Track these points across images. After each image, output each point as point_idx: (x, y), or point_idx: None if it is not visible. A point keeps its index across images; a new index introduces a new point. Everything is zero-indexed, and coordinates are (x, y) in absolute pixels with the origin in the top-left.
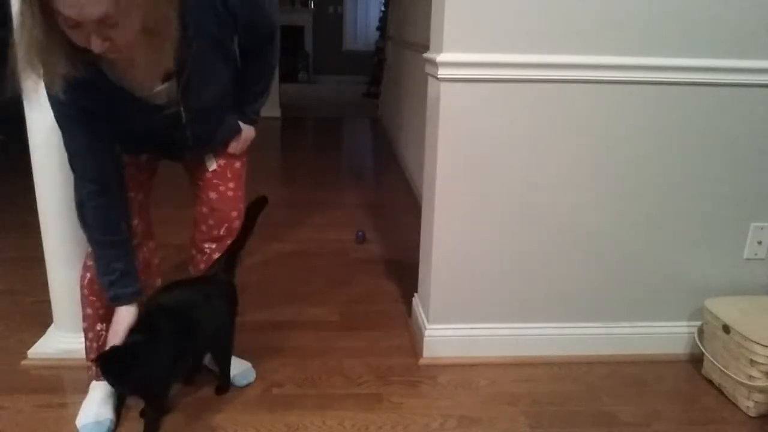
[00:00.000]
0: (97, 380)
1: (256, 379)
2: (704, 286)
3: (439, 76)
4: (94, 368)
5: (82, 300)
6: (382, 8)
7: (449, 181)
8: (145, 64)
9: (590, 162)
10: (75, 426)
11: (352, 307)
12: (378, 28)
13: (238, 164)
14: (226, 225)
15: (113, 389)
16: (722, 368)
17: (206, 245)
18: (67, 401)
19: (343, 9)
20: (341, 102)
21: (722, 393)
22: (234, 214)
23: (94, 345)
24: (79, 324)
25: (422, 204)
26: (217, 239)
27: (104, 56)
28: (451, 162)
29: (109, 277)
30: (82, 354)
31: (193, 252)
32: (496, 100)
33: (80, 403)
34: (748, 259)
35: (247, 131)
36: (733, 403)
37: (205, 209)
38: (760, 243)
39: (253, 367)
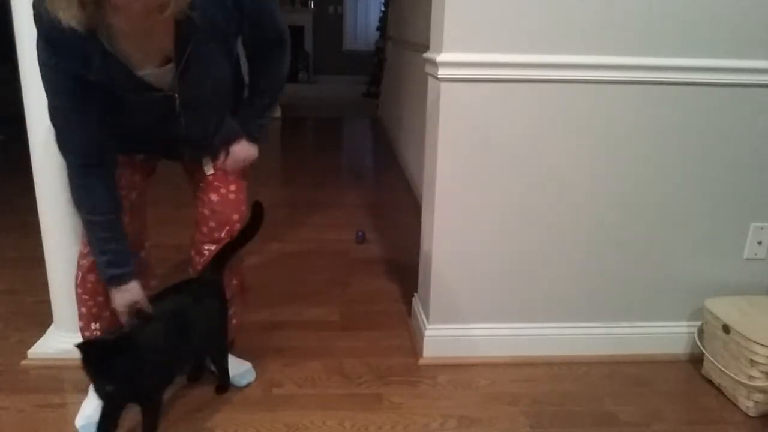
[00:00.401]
0: None
1: (256, 379)
2: (704, 286)
3: (439, 76)
4: None
5: (77, 299)
6: (382, 8)
7: (449, 181)
8: (154, 30)
9: (590, 162)
10: (75, 426)
11: (352, 307)
12: (378, 28)
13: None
14: (227, 228)
15: (94, 387)
16: (722, 368)
17: (206, 247)
18: (67, 401)
19: (343, 9)
20: (341, 102)
21: (722, 393)
22: (235, 216)
23: None
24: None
25: (422, 204)
26: (217, 241)
27: (119, 10)
28: (451, 162)
29: (104, 258)
30: None
31: (193, 253)
32: (496, 100)
33: (80, 403)
34: (748, 259)
35: (248, 150)
36: (733, 403)
37: (206, 211)
38: (760, 243)
39: (253, 367)
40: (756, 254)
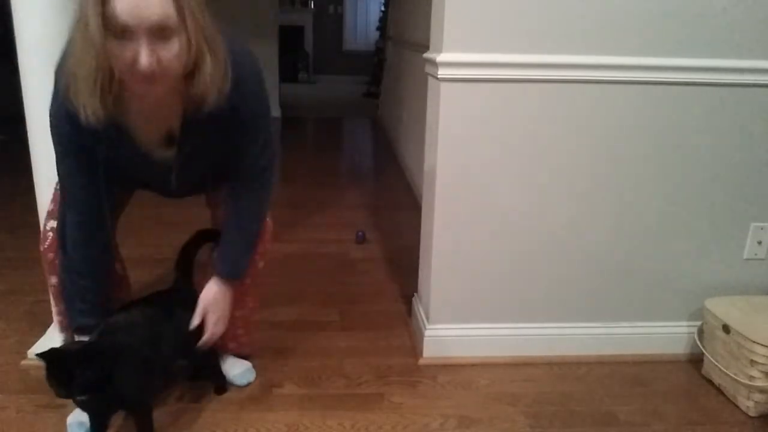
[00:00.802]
0: None
1: (256, 379)
2: (704, 286)
3: (439, 76)
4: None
5: (47, 268)
6: (382, 8)
7: (449, 181)
8: (171, 102)
9: (590, 162)
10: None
11: (352, 307)
12: (378, 28)
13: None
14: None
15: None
16: (722, 368)
17: None
18: (67, 401)
19: (343, 9)
20: (341, 102)
21: (722, 393)
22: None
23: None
24: None
25: (422, 204)
26: None
27: (134, 91)
28: (451, 162)
29: (81, 306)
30: None
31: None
32: (496, 100)
33: None
34: (748, 259)
35: (215, 293)
36: (733, 403)
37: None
38: (760, 243)
39: (253, 367)
40: (756, 254)
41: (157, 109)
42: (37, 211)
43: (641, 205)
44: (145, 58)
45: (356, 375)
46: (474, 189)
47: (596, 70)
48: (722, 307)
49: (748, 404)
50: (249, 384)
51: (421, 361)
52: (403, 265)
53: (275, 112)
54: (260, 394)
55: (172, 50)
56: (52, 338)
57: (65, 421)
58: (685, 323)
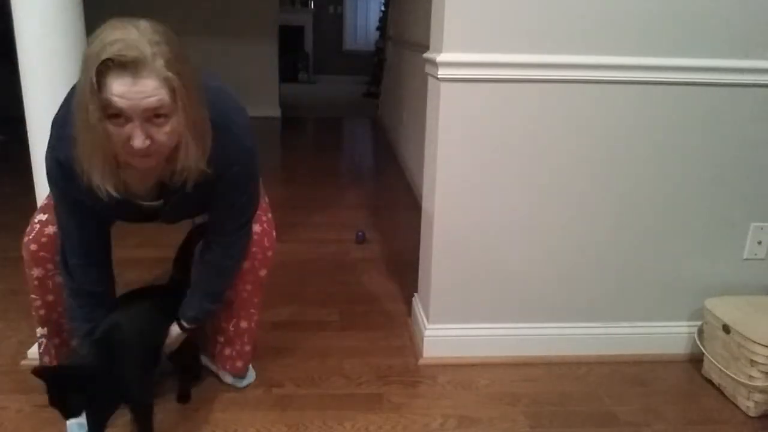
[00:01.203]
0: None
1: (256, 379)
2: (704, 286)
3: (439, 76)
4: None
5: (28, 260)
6: (382, 8)
7: (449, 181)
8: (160, 173)
9: (590, 162)
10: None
11: (352, 307)
12: (378, 28)
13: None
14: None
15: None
16: (722, 368)
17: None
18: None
19: (343, 9)
20: (341, 102)
21: (722, 393)
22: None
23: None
24: None
25: (422, 204)
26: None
27: (133, 161)
28: (451, 162)
29: (87, 326)
30: None
31: None
32: (496, 100)
33: None
34: (748, 259)
35: (173, 336)
36: (733, 403)
37: None
38: (760, 243)
39: (253, 367)
40: (756, 254)
41: (149, 171)
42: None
43: (641, 205)
44: (138, 140)
45: (356, 375)
46: (474, 189)
47: (596, 70)
48: (722, 307)
49: (748, 404)
50: (249, 384)
51: (421, 361)
52: (403, 265)
53: (275, 112)
54: (260, 394)
55: (165, 130)
56: None
57: (65, 421)
58: (685, 323)
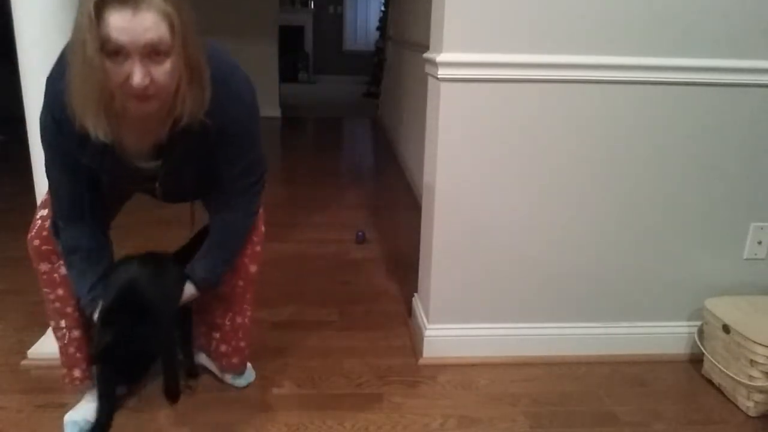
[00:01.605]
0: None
1: (256, 379)
2: (704, 286)
3: (439, 76)
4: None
5: (34, 256)
6: (382, 8)
7: (449, 181)
8: (159, 119)
9: (590, 162)
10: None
11: (352, 307)
12: (378, 28)
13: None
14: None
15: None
16: (722, 368)
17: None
18: (67, 401)
19: (343, 9)
20: (341, 102)
21: (722, 393)
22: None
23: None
24: None
25: (422, 204)
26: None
27: (131, 105)
28: (451, 162)
29: (90, 282)
30: None
31: None
32: (496, 100)
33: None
34: (748, 259)
35: (188, 293)
36: (733, 403)
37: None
38: (760, 243)
39: (253, 367)
40: (756, 254)
41: (147, 123)
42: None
43: (641, 204)
44: (138, 77)
45: (356, 375)
46: (474, 189)
47: (596, 70)
48: (722, 307)
49: (748, 404)
50: (249, 384)
51: (421, 361)
52: (403, 265)
53: (275, 112)
54: (260, 394)
55: (165, 69)
56: (52, 338)
57: (64, 421)
58: (685, 323)
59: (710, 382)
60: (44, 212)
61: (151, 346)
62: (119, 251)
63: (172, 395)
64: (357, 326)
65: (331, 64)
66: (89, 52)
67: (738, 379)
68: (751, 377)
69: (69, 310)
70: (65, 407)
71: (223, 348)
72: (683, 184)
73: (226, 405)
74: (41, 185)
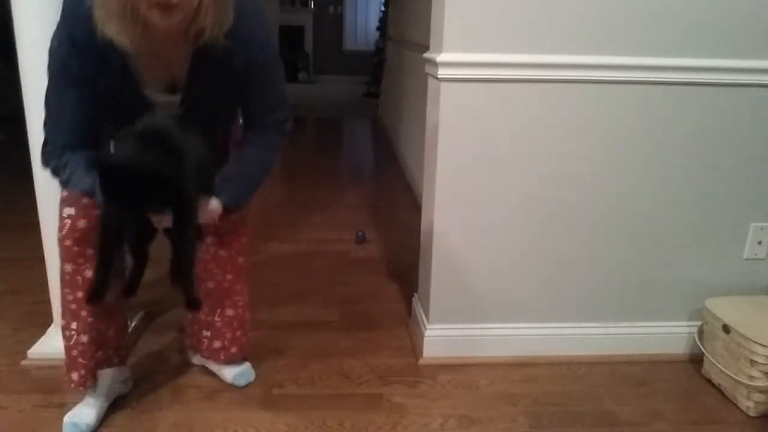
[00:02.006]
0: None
1: (255, 379)
2: (704, 286)
3: (439, 76)
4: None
5: (63, 254)
6: (382, 8)
7: (449, 181)
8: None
9: (590, 162)
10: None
11: (352, 307)
12: (378, 28)
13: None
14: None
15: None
16: (722, 368)
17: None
18: (67, 401)
19: (343, 9)
20: (341, 102)
21: (722, 393)
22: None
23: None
24: None
25: (422, 204)
26: (214, 232)
27: (154, 17)
28: (451, 162)
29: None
30: None
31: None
32: (496, 100)
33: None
34: (748, 259)
35: (212, 210)
36: (733, 403)
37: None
38: (760, 243)
39: (253, 367)
40: (756, 254)
41: (169, 37)
42: (37, 211)
43: (641, 204)
44: None
45: (356, 375)
46: (474, 189)
47: (596, 70)
48: (722, 307)
49: (748, 404)
50: (249, 384)
51: (421, 361)
52: (403, 265)
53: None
54: (260, 394)
55: None
56: (52, 338)
57: (64, 421)
58: (685, 323)
59: (710, 382)
60: (71, 210)
61: (168, 185)
62: None
63: (178, 275)
64: (357, 326)
65: (331, 64)
66: None
67: (738, 379)
68: (751, 377)
69: (83, 314)
70: (65, 407)
71: (217, 344)
72: (683, 184)
73: (226, 405)
74: (41, 185)
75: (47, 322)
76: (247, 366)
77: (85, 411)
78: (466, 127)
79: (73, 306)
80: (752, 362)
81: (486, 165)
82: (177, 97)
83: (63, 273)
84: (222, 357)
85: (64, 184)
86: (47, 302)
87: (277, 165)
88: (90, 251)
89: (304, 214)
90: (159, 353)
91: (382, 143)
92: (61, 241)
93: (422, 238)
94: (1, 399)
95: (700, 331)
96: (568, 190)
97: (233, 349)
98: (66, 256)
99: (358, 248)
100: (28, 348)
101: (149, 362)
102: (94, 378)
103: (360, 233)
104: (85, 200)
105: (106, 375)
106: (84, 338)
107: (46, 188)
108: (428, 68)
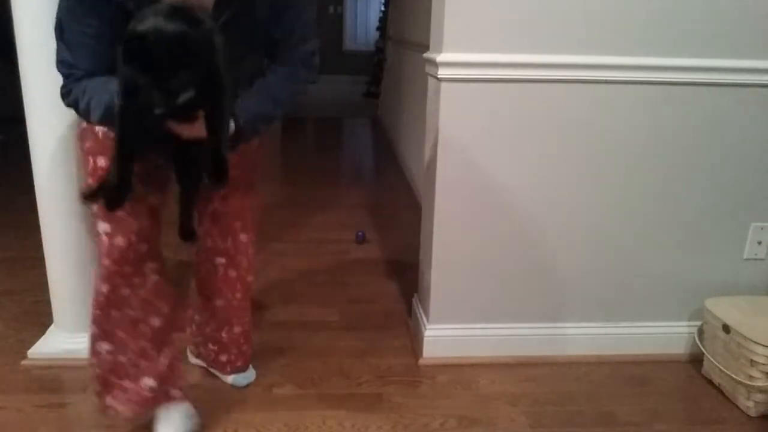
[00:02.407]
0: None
1: (256, 379)
2: (704, 286)
3: (439, 76)
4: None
5: (102, 274)
6: (382, 8)
7: (449, 181)
8: None
9: (589, 161)
10: (75, 426)
11: (352, 307)
12: (378, 28)
13: (248, 173)
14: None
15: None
16: (722, 368)
17: (217, 258)
18: (67, 401)
19: (343, 9)
20: (341, 102)
21: (722, 393)
22: (237, 224)
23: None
24: (79, 324)
25: (422, 204)
26: (225, 252)
27: None
28: (451, 162)
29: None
30: (82, 354)
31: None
32: (496, 100)
33: (80, 402)
34: (748, 259)
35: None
36: (733, 403)
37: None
38: (760, 243)
39: (253, 367)
40: (756, 254)
41: None
42: (37, 211)
43: (641, 204)
44: None
45: (356, 375)
46: (474, 189)
47: (596, 70)
48: (722, 307)
49: (748, 404)
50: (249, 384)
51: (421, 361)
52: (403, 265)
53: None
54: (260, 394)
55: None
56: (52, 338)
57: (65, 421)
58: (685, 323)
59: (710, 382)
60: (107, 227)
61: (198, 56)
62: None
63: (217, 178)
64: (357, 326)
65: (331, 64)
66: None
67: (738, 379)
68: (751, 377)
69: (119, 332)
70: (65, 407)
71: (223, 358)
72: (683, 184)
73: (226, 405)
74: (41, 185)
75: (47, 322)
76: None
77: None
78: (466, 127)
79: (106, 327)
80: (752, 362)
81: (486, 165)
82: None
83: (98, 293)
84: (228, 369)
85: (85, 114)
86: (47, 302)
87: (277, 165)
88: (128, 269)
89: (304, 214)
90: None
91: (382, 143)
92: (100, 260)
93: (422, 238)
94: (1, 399)
95: (700, 331)
96: (568, 189)
97: (239, 363)
98: (104, 275)
99: (358, 248)
100: (28, 348)
101: None
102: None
103: (360, 233)
104: (119, 214)
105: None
106: (106, 346)
107: (46, 188)
108: (428, 68)
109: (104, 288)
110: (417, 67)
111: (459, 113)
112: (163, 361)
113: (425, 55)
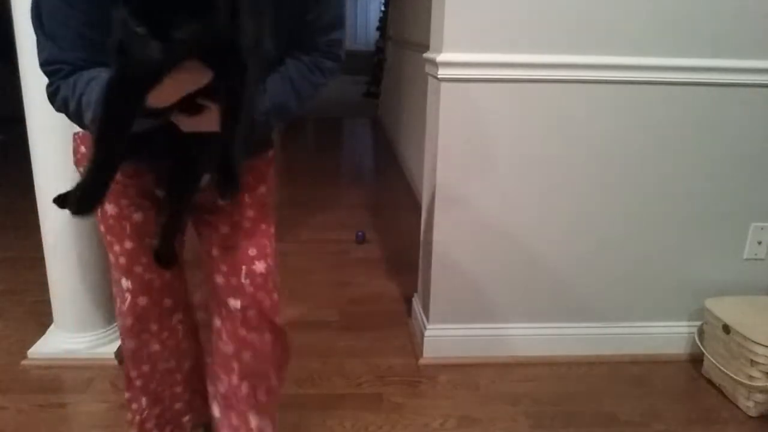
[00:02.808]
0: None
1: None
2: (704, 286)
3: (439, 76)
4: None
5: (124, 332)
6: (382, 8)
7: (449, 181)
8: None
9: (590, 162)
10: (75, 426)
11: (352, 307)
12: (378, 28)
13: (262, 189)
14: (244, 267)
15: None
16: (722, 368)
17: (230, 300)
18: (67, 401)
19: None
20: (341, 102)
21: (722, 393)
22: (253, 252)
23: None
24: (79, 324)
25: (422, 204)
26: (239, 290)
27: None
28: (451, 162)
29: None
30: (82, 354)
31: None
32: (496, 100)
33: (80, 402)
34: (748, 259)
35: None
36: (733, 403)
37: (214, 251)
38: (760, 243)
39: None
40: (756, 254)
41: None
42: (37, 211)
43: (641, 205)
44: None
45: (356, 375)
46: (474, 189)
47: (596, 70)
48: (722, 307)
49: (748, 404)
50: None
51: (421, 361)
52: (403, 265)
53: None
54: None
55: None
56: (52, 338)
57: (65, 421)
58: (685, 323)
59: (710, 382)
60: (129, 284)
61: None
62: None
63: (227, 181)
64: (357, 326)
65: None
66: None
67: (738, 379)
68: (751, 377)
69: (152, 386)
70: (65, 407)
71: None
72: (683, 183)
73: None
74: (41, 185)
75: (47, 322)
76: None
77: None
78: (466, 127)
79: (139, 382)
80: (752, 362)
81: (486, 165)
82: None
83: (125, 348)
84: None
85: (77, 116)
86: (47, 302)
87: (278, 165)
88: (155, 326)
89: (304, 214)
90: None
91: (382, 143)
92: (121, 316)
93: (422, 238)
94: (1, 399)
95: (700, 331)
96: (568, 190)
97: None
98: (129, 333)
99: (358, 248)
100: (28, 348)
101: None
102: None
103: (360, 233)
104: (137, 269)
105: None
106: (157, 410)
107: (46, 188)
108: (428, 68)
109: (131, 344)
110: (417, 67)
111: (459, 113)
112: (194, 396)
113: (425, 55)
